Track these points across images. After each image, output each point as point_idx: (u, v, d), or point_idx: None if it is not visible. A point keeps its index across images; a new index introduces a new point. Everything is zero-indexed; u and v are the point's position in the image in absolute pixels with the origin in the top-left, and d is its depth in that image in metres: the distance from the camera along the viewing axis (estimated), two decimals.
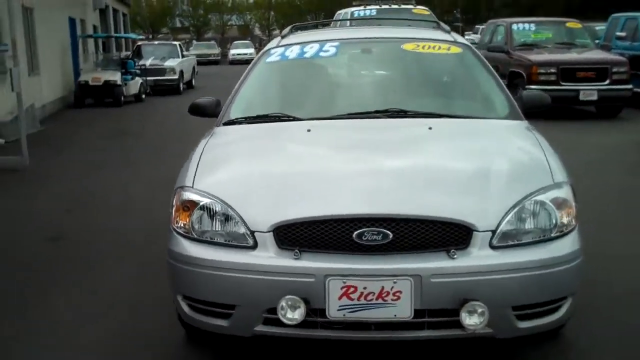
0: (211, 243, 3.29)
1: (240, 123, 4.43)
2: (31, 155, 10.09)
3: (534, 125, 4.28)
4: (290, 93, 4.84)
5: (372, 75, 4.90)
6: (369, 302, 3.05)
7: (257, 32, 75.69)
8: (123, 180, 8.70)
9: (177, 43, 26.89)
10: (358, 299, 3.05)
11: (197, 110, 4.78)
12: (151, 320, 4.27)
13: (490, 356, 3.76)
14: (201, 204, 3.36)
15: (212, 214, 3.33)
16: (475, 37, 26.05)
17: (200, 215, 3.35)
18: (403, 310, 3.05)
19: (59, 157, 10.80)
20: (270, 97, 4.81)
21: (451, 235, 3.13)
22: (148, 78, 21.43)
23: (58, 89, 18.38)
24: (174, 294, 3.47)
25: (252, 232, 3.19)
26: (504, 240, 3.17)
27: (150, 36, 65.49)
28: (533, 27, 15.91)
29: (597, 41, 16.32)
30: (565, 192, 3.39)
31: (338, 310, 3.06)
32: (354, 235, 3.11)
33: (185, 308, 3.39)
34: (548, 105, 4.79)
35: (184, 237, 3.37)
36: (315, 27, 7.98)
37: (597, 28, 19.25)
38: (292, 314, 3.07)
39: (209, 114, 4.71)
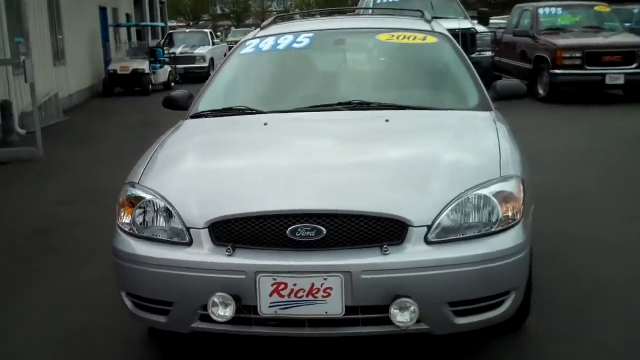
0: (152, 240, 3.30)
1: (206, 116, 4.44)
2: (48, 146, 10.21)
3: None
4: (258, 86, 4.84)
5: (342, 66, 4.86)
6: (300, 299, 3.03)
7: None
8: None
9: (208, 31, 27.08)
10: (289, 296, 3.03)
11: (170, 103, 4.79)
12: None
13: (449, 349, 3.73)
14: (144, 200, 3.38)
15: (154, 210, 3.34)
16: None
17: (142, 212, 3.36)
18: (334, 307, 3.03)
19: (76, 148, 10.92)
20: (239, 90, 4.82)
21: (386, 230, 3.09)
22: (178, 66, 21.63)
23: (87, 78, 18.64)
24: (119, 291, 3.50)
25: (188, 229, 3.20)
26: (441, 236, 3.12)
27: (191, 23, 66.02)
28: (560, 11, 15.60)
29: (627, 24, 15.95)
30: (511, 186, 3.32)
31: (270, 307, 3.05)
32: (287, 232, 3.09)
33: (129, 304, 3.42)
34: (523, 95, 4.71)
35: (127, 233, 3.39)
36: (306, 17, 7.92)
37: (635, 10, 18.85)
38: (223, 311, 3.07)
39: (182, 107, 4.72)
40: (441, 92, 4.60)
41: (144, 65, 18.95)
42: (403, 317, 3.02)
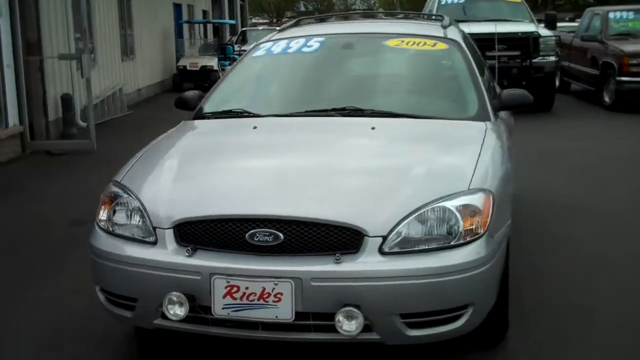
0: (122, 237, 3.42)
1: (208, 118, 4.55)
2: (105, 139, 10.52)
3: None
4: (261, 88, 4.92)
5: (345, 72, 4.87)
6: (251, 303, 3.09)
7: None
8: None
9: (278, 29, 27.28)
10: (241, 299, 3.10)
11: (181, 103, 4.92)
12: None
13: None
14: (120, 199, 3.51)
15: (128, 209, 3.46)
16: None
17: (117, 210, 3.49)
18: (284, 312, 3.08)
19: (131, 142, 11.17)
20: (243, 93, 4.91)
21: (342, 239, 3.12)
22: None
23: (157, 73, 19.13)
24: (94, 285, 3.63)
25: (155, 229, 3.31)
26: (398, 247, 3.13)
27: (275, 20, 66.61)
28: (632, 15, 15.11)
29: None
30: (477, 199, 3.29)
31: (223, 308, 3.12)
32: (246, 236, 3.16)
33: (102, 299, 3.55)
34: (530, 104, 4.63)
35: (102, 229, 3.52)
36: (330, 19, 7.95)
37: None
38: (177, 310, 3.17)
39: (192, 107, 4.84)
40: (439, 100, 4.57)
41: (213, 62, 19.33)
42: (349, 325, 3.04)
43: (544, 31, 13.70)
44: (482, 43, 12.56)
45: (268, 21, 64.08)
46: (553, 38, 13.84)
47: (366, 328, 3.09)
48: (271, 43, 5.07)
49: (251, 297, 3.09)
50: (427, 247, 3.15)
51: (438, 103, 4.53)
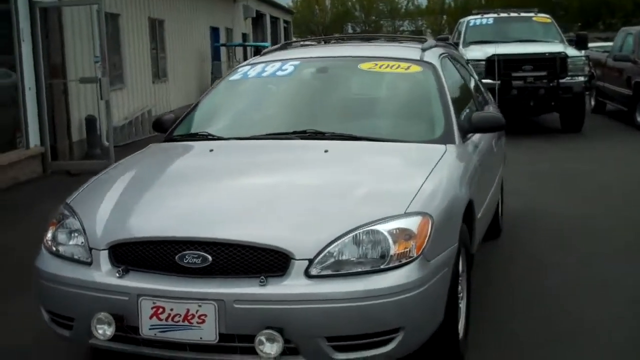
0: (63, 257, 3.48)
1: (176, 140, 4.61)
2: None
3: None
4: (230, 112, 4.96)
5: (313, 95, 4.87)
6: (176, 324, 3.11)
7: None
8: None
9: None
10: (166, 320, 3.12)
11: (158, 125, 4.99)
12: None
13: None
14: (65, 220, 3.57)
15: (70, 230, 3.53)
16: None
17: (60, 230, 3.56)
18: (208, 333, 3.09)
19: None
20: (213, 116, 4.96)
21: (268, 261, 3.12)
22: None
23: (191, 95, 19.37)
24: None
25: (91, 249, 3.36)
26: (329, 269, 3.12)
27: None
28: None
29: None
30: (412, 223, 3.25)
31: (150, 329, 3.15)
32: (176, 258, 3.19)
33: (45, 317, 3.61)
34: (501, 127, 4.58)
35: (46, 249, 3.59)
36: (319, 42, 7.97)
37: None
38: (105, 330, 3.20)
39: (167, 129, 4.90)
40: (404, 123, 4.53)
41: None
42: (270, 348, 3.03)
43: (572, 51, 13.50)
44: (508, 64, 12.64)
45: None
46: (582, 58, 13.62)
47: (292, 351, 3.09)
48: (249, 67, 5.12)
49: (176, 318, 3.11)
50: (360, 269, 3.13)
51: (402, 126, 4.49)
